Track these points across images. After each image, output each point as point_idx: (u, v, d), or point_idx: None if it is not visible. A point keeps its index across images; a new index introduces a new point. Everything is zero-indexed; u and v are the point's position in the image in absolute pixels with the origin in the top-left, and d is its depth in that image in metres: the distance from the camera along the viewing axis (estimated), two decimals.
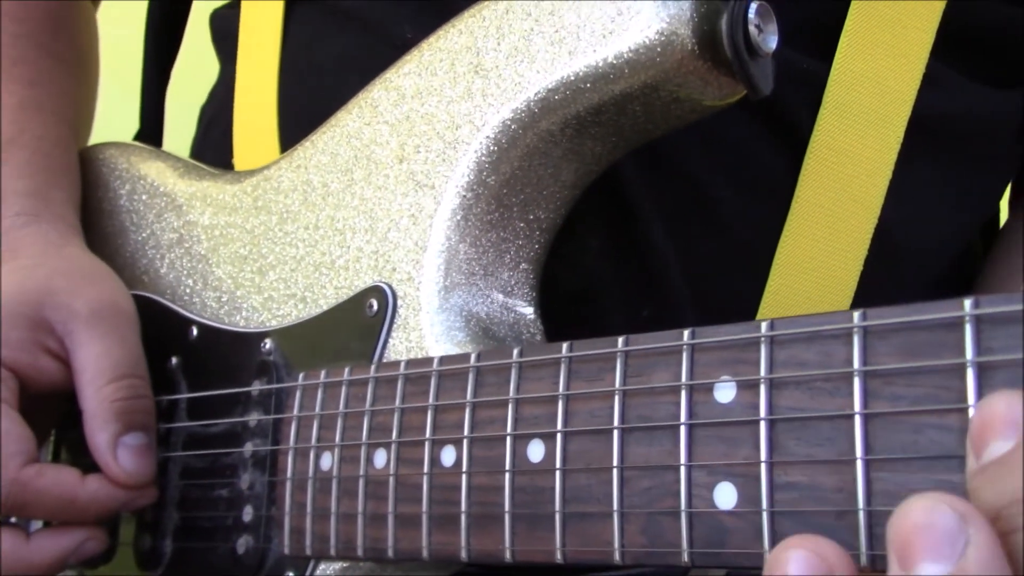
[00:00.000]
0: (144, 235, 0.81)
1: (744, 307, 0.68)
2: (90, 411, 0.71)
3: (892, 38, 0.69)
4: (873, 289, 0.70)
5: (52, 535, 0.71)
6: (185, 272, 0.77)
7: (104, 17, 0.99)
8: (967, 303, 0.38)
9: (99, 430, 0.70)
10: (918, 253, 0.74)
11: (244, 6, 0.86)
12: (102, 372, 0.71)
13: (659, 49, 0.54)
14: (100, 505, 0.70)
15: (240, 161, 0.82)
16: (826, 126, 0.69)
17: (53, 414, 0.78)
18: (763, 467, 0.43)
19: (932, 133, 0.72)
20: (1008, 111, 0.76)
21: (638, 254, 0.68)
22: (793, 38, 0.62)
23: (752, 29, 0.54)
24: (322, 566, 0.63)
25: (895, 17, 0.69)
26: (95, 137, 0.93)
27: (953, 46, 0.71)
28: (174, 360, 0.76)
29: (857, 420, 0.41)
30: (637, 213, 0.67)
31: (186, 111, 0.96)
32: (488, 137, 0.60)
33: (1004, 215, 0.85)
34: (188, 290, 0.76)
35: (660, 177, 0.68)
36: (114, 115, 1.03)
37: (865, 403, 0.41)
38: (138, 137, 0.99)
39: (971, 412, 0.38)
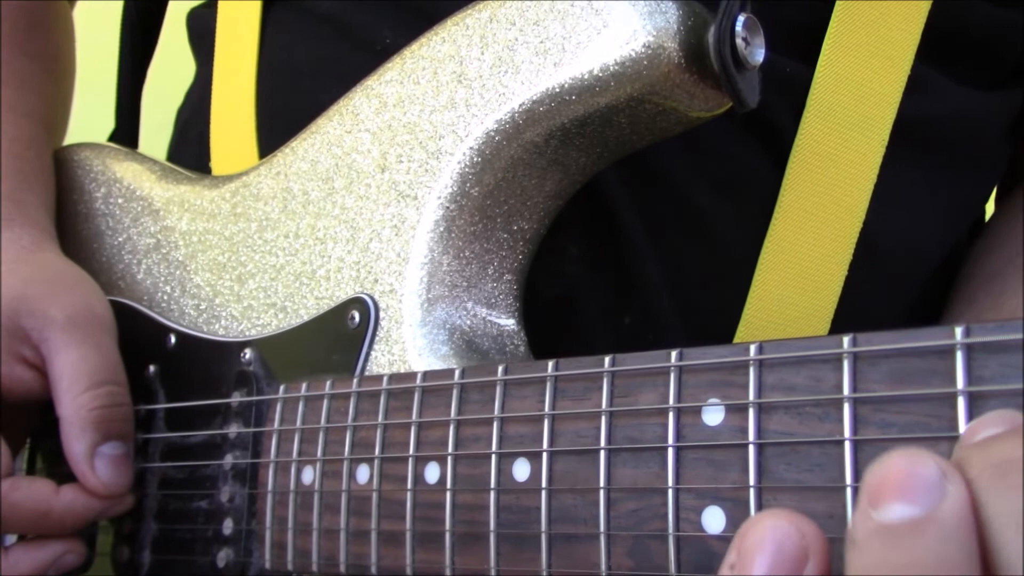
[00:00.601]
0: (120, 239, 0.79)
1: (727, 314, 0.68)
2: (67, 419, 0.69)
3: (877, 41, 0.69)
4: (858, 294, 0.70)
5: (28, 549, 0.70)
6: (163, 279, 0.76)
7: (80, 16, 0.98)
8: (958, 331, 0.38)
9: (76, 439, 0.69)
10: (904, 257, 0.73)
11: (221, 6, 0.84)
12: (79, 379, 0.70)
13: (645, 62, 0.53)
14: (76, 516, 0.69)
15: (218, 163, 0.81)
16: (810, 130, 0.68)
17: (28, 423, 0.77)
18: (752, 492, 0.42)
19: (917, 136, 0.71)
20: (994, 113, 0.76)
21: (620, 261, 0.67)
22: (777, 41, 0.62)
23: (739, 42, 0.53)
24: None
25: (880, 19, 0.69)
26: (70, 137, 0.92)
27: (938, 48, 0.70)
28: (152, 368, 0.75)
29: (847, 446, 0.40)
30: (618, 220, 0.67)
31: (162, 111, 0.95)
32: (471, 148, 0.59)
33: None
34: (166, 297, 0.75)
35: (642, 183, 0.67)
36: (89, 115, 1.02)
37: (855, 429, 0.40)
38: (113, 138, 0.97)
39: None
